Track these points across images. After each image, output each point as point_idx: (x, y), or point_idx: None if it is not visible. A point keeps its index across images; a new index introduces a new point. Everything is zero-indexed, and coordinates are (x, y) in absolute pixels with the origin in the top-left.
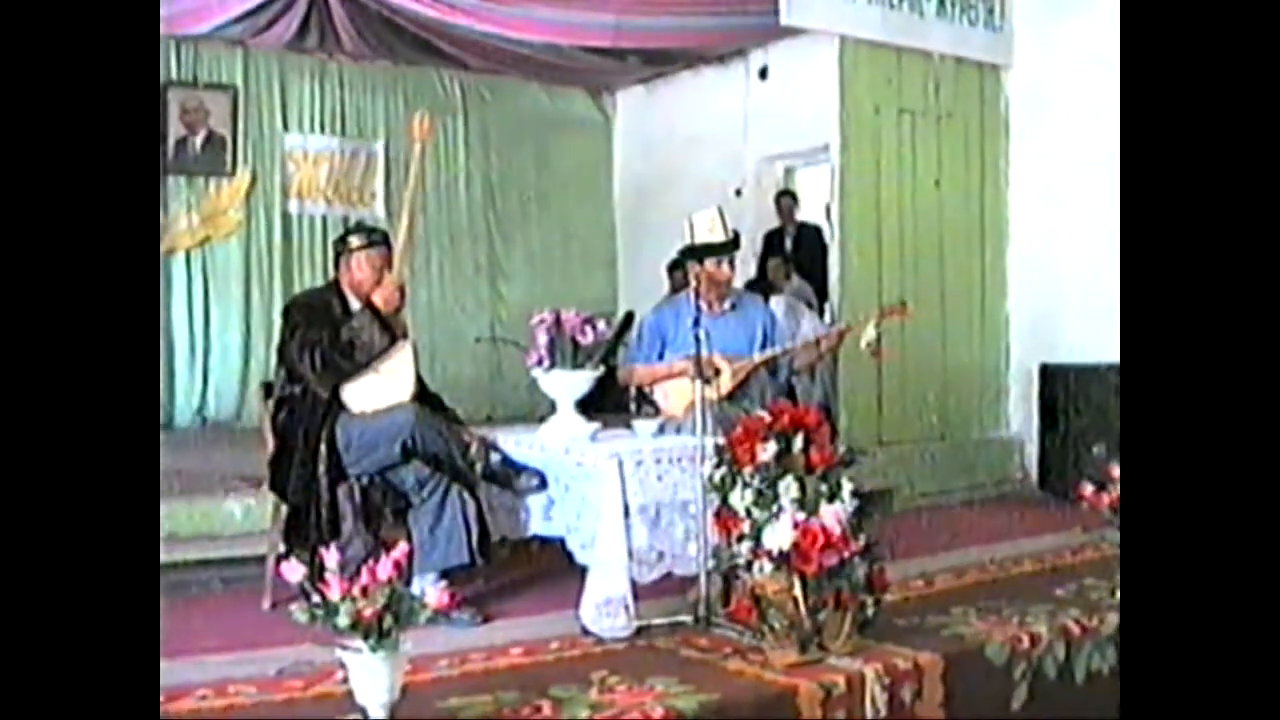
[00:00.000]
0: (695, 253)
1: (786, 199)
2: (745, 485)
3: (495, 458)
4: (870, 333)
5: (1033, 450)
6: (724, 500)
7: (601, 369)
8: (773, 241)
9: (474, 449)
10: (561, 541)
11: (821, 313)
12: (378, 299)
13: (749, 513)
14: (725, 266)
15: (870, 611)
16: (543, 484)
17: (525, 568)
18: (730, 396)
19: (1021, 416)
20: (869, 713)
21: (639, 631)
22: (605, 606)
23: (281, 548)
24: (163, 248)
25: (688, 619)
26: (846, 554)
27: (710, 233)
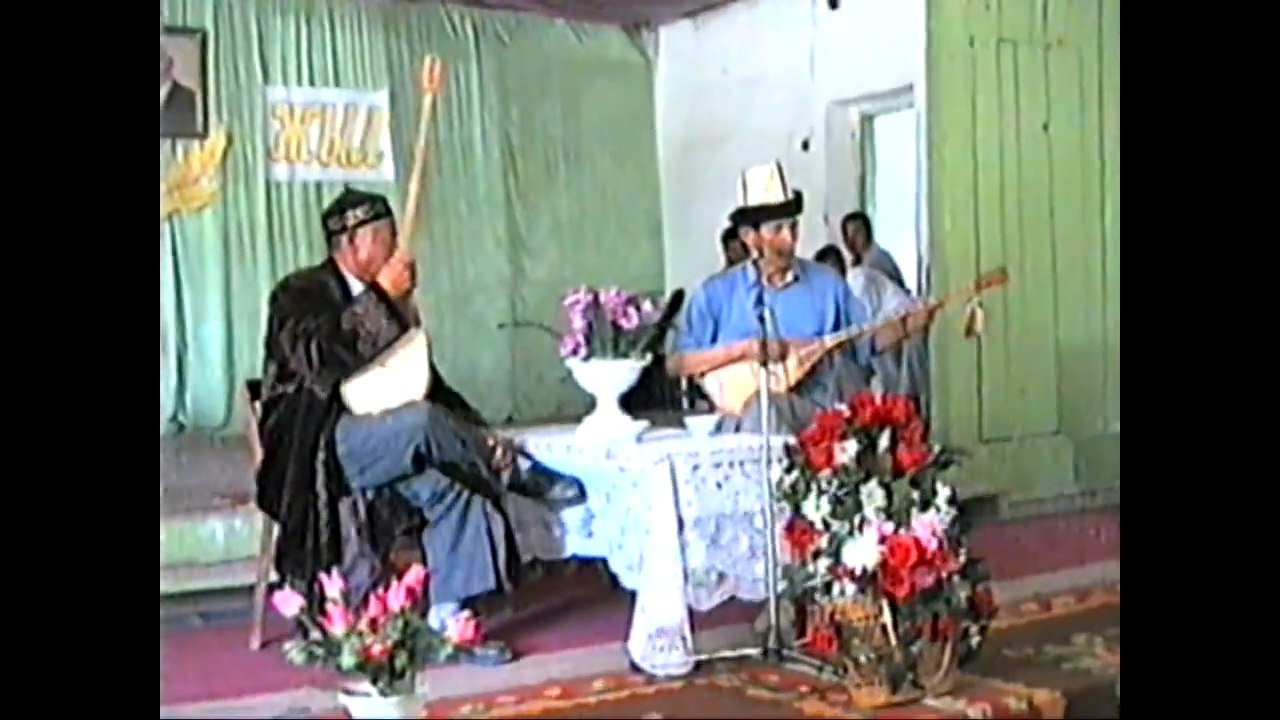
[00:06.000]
0: (748, 216)
1: (855, 224)
2: (821, 492)
3: (524, 465)
4: (971, 311)
5: None
6: (796, 510)
7: (648, 358)
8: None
9: (499, 455)
10: (604, 562)
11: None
12: (384, 280)
13: (826, 525)
14: (786, 232)
15: (974, 641)
16: (581, 494)
17: (562, 593)
18: (798, 387)
19: None
20: None
21: (698, 667)
22: (657, 638)
23: (274, 576)
24: None
25: (755, 652)
26: (944, 573)
27: (767, 192)
